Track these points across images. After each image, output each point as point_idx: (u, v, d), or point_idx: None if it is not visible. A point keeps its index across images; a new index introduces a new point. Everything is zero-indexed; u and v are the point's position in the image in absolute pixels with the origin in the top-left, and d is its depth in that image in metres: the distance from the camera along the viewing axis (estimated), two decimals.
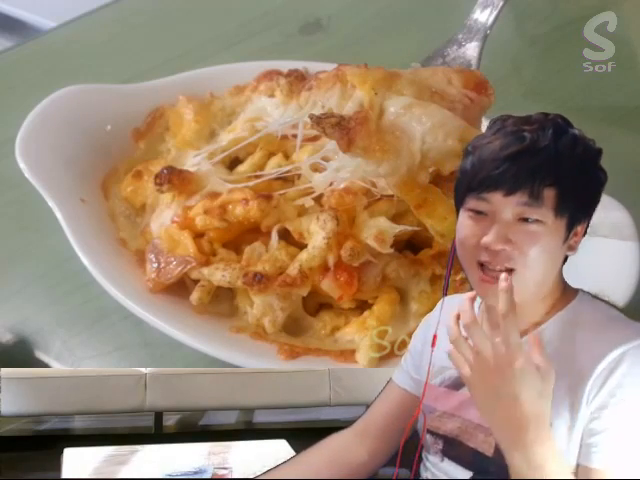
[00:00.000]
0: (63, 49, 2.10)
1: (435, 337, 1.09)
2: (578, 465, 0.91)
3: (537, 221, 0.92)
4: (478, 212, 0.94)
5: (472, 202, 0.94)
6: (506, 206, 0.92)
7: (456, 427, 1.02)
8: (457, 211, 0.98)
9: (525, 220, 0.92)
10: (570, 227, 0.94)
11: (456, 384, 1.04)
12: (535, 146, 0.91)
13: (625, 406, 0.88)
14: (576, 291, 1.01)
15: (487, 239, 0.92)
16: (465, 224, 0.95)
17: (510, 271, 0.92)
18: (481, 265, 0.94)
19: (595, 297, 1.01)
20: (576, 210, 0.94)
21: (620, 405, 0.89)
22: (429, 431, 1.07)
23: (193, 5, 2.20)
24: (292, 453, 1.63)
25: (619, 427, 0.88)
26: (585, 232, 0.99)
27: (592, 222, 1.49)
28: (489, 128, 0.97)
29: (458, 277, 1.41)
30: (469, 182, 0.94)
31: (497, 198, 0.92)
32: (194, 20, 2.15)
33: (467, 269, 0.96)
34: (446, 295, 1.10)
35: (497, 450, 0.95)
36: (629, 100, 2.00)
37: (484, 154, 0.93)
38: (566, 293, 1.01)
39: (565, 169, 0.92)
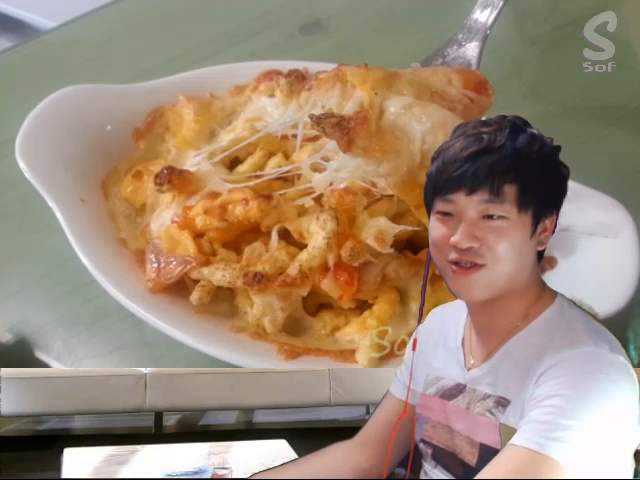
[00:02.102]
0: (63, 49, 2.10)
1: (415, 340, 1.12)
2: (514, 446, 0.88)
3: (501, 217, 0.94)
4: (445, 214, 0.97)
5: (439, 204, 0.98)
6: (470, 205, 0.95)
7: (448, 438, 1.04)
8: (428, 216, 1.01)
9: (490, 217, 0.95)
10: (536, 221, 0.96)
11: (449, 394, 1.05)
12: (492, 145, 0.95)
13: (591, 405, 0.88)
14: (554, 295, 1.02)
15: (455, 238, 0.95)
16: (434, 226, 0.99)
17: (481, 266, 0.95)
18: (453, 263, 0.97)
19: (572, 303, 1.02)
20: (540, 204, 0.96)
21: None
22: (423, 440, 1.09)
23: (193, 5, 2.20)
24: (292, 453, 1.63)
25: (589, 427, 0.87)
26: (555, 228, 1.00)
27: (592, 222, 1.49)
28: (453, 133, 1.01)
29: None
30: (434, 185, 0.98)
31: (461, 198, 0.95)
32: (194, 20, 2.14)
33: (441, 269, 0.99)
34: (424, 298, 1.13)
35: (479, 460, 0.97)
36: (629, 100, 2.00)
37: (446, 157, 0.97)
38: (544, 297, 1.01)
39: (524, 165, 0.95)
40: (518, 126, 0.97)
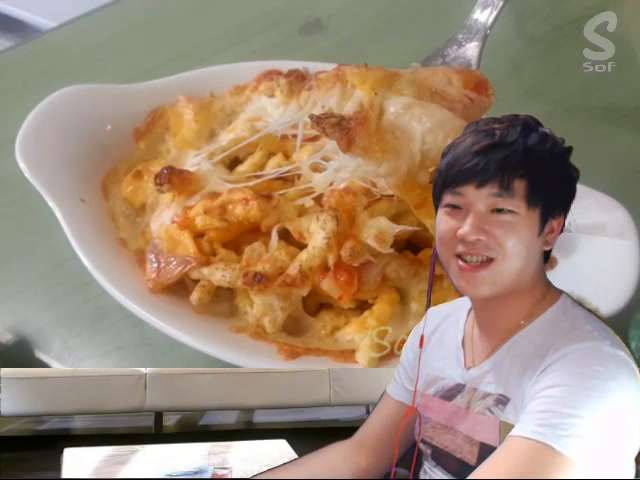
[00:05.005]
0: (63, 49, 2.10)
1: (422, 337, 1.11)
2: (517, 437, 0.88)
3: (510, 211, 0.94)
4: (454, 207, 0.97)
5: (448, 197, 0.97)
6: (479, 198, 0.95)
7: (448, 439, 1.04)
8: (436, 211, 1.01)
9: (498, 211, 0.94)
10: (544, 219, 0.96)
11: (449, 395, 1.05)
12: (504, 141, 0.95)
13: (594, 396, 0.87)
14: (559, 294, 1.02)
15: (462, 230, 0.95)
16: (442, 219, 0.98)
17: (489, 261, 0.94)
18: (459, 257, 0.96)
19: (576, 302, 1.01)
20: (548, 202, 0.96)
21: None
22: (423, 440, 1.09)
23: (193, 5, 2.20)
24: (292, 453, 1.63)
25: (595, 419, 0.87)
26: (562, 229, 1.00)
27: (592, 222, 1.49)
28: (465, 129, 1.01)
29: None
30: (444, 179, 0.98)
31: (470, 191, 0.95)
32: (194, 20, 2.14)
33: (446, 264, 0.99)
34: (430, 295, 1.14)
35: (479, 459, 0.96)
36: (629, 100, 2.00)
37: (457, 151, 0.97)
38: (549, 296, 1.01)
39: (534, 162, 0.94)
40: (530, 124, 0.97)
